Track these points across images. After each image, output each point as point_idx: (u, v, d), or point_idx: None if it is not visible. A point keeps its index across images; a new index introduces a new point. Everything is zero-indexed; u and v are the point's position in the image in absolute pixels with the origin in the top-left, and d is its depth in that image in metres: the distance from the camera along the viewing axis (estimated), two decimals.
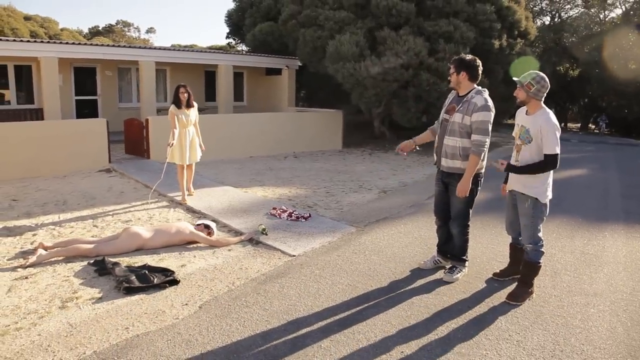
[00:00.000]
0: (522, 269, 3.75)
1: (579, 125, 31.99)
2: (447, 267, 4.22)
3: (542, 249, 3.68)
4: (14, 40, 11.62)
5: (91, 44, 13.30)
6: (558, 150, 3.45)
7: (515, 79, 3.63)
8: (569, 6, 29.53)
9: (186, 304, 3.52)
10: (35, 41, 11.96)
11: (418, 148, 4.29)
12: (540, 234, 3.66)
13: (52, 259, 4.27)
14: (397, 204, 6.91)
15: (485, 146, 3.79)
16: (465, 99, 3.86)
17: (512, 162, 3.71)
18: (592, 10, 28.70)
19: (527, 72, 3.59)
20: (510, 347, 3.03)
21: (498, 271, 4.17)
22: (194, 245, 4.83)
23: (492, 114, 3.80)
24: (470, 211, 4.06)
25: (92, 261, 4.25)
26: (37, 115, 11.99)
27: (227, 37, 24.34)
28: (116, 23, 63.11)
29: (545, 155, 3.46)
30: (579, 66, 27.12)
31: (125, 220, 5.75)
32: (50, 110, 10.88)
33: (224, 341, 3.03)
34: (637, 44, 22.23)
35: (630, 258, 4.80)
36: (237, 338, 3.07)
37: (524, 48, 14.79)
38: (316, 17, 12.97)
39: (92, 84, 13.71)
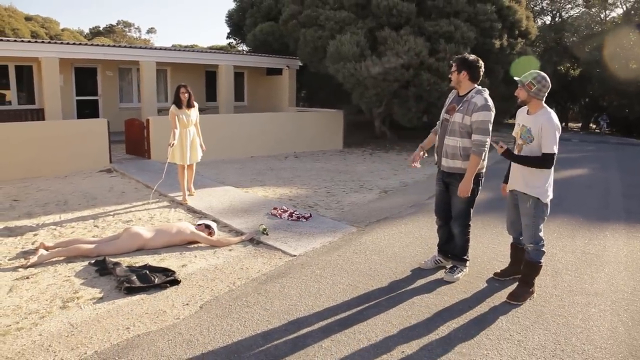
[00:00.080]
0: (523, 268, 3.75)
1: (579, 124, 31.95)
2: (448, 266, 4.21)
3: (543, 249, 3.69)
4: (15, 41, 11.62)
5: (92, 44, 13.31)
6: (555, 150, 3.47)
7: (516, 78, 3.63)
8: (569, 6, 29.57)
9: (187, 304, 3.53)
10: (36, 41, 11.96)
11: (426, 154, 4.31)
12: (541, 234, 3.66)
13: (53, 259, 4.28)
14: (398, 204, 6.91)
15: (486, 146, 3.79)
16: (465, 98, 3.86)
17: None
18: (593, 9, 28.69)
19: (528, 71, 3.59)
20: (511, 347, 3.02)
21: (499, 271, 4.17)
22: (195, 245, 4.83)
23: (493, 114, 3.80)
24: (471, 211, 4.07)
25: (93, 261, 4.26)
26: (38, 115, 12.00)
27: (228, 37, 24.36)
28: (117, 23, 63.32)
29: (543, 154, 3.48)
30: (580, 66, 27.11)
31: (126, 220, 5.75)
32: (51, 111, 10.88)
33: (225, 341, 3.03)
34: (638, 43, 22.21)
35: (631, 258, 4.79)
36: (238, 338, 3.07)
37: (524, 48, 14.77)
38: (317, 17, 12.96)
39: (92, 84, 13.71)
